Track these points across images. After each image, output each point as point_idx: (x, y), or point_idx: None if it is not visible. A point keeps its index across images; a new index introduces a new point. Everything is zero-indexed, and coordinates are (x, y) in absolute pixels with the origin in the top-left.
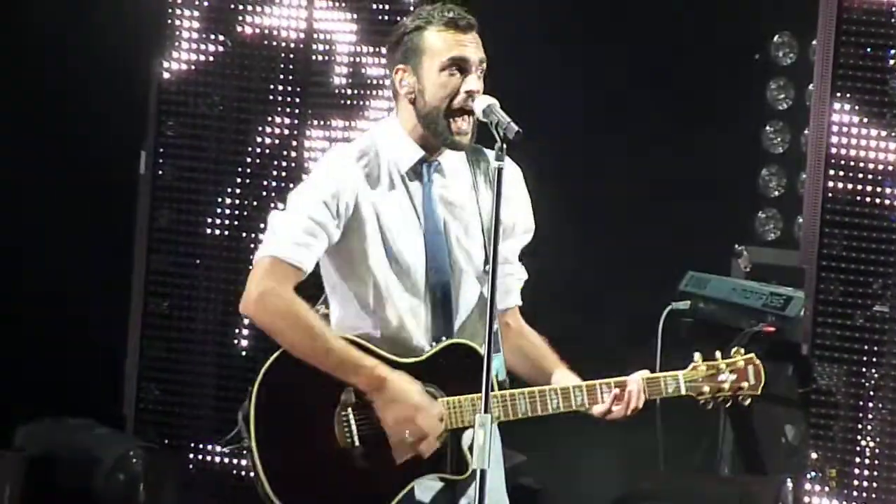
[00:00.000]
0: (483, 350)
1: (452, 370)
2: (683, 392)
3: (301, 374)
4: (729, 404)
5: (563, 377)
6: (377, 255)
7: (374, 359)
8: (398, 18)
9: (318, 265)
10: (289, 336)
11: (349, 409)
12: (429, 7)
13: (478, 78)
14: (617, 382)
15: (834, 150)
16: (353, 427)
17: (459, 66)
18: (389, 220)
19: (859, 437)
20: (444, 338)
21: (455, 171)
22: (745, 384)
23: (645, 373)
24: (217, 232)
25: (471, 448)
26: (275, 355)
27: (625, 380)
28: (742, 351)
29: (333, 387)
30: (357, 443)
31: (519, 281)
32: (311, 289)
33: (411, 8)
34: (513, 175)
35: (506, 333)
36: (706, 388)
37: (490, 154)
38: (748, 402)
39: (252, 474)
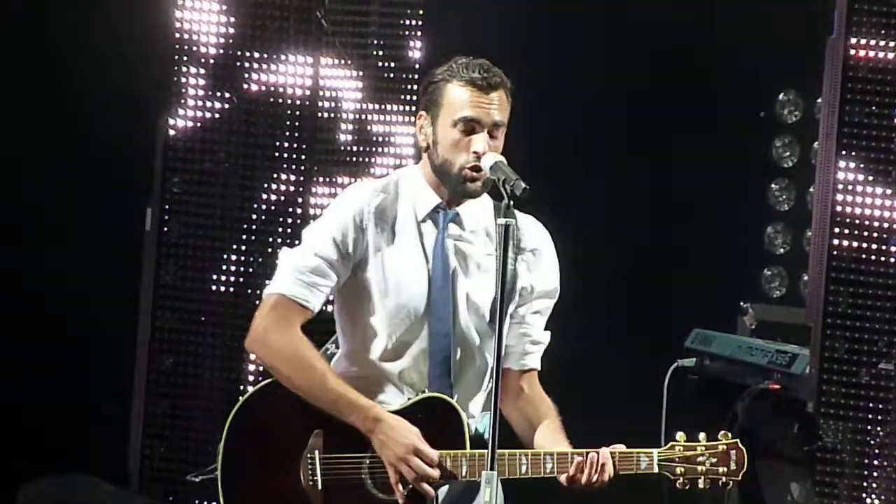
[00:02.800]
0: (462, 407)
1: (425, 424)
2: (656, 470)
3: (274, 412)
4: (707, 487)
5: (549, 443)
6: (380, 295)
7: (370, 401)
8: (404, 76)
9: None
10: (287, 373)
11: (316, 453)
12: (462, 61)
13: (490, 138)
14: (582, 453)
15: (839, 208)
16: (318, 471)
17: (471, 125)
18: (396, 263)
19: (865, 495)
20: (437, 388)
21: (475, 224)
22: (722, 469)
23: (619, 447)
24: (222, 289)
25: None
26: (251, 391)
27: (593, 451)
28: (729, 435)
29: (304, 429)
30: (320, 486)
31: (536, 345)
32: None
33: (417, 66)
34: (541, 238)
35: (519, 397)
36: (680, 470)
37: (521, 216)
38: (729, 486)
39: None
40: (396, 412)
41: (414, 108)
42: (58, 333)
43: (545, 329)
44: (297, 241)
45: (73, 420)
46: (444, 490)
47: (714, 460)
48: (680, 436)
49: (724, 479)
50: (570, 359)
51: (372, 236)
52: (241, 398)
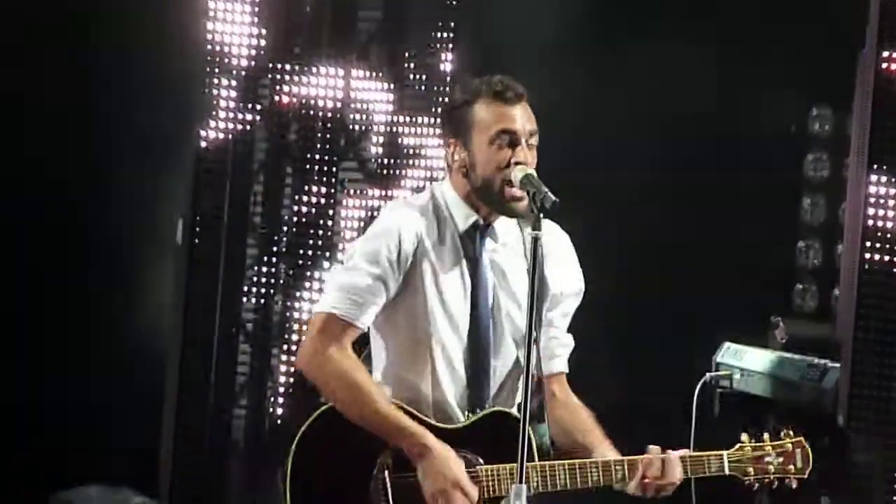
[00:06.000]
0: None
1: (493, 438)
2: (727, 471)
3: (339, 434)
4: (775, 486)
5: (604, 452)
6: (424, 311)
7: (420, 426)
8: (435, 88)
9: None
10: (338, 395)
11: (386, 473)
12: (477, 81)
13: (529, 148)
14: (658, 458)
15: (871, 223)
16: (389, 490)
17: (508, 138)
18: (442, 280)
19: None
20: (477, 402)
21: (508, 235)
22: (791, 467)
23: (685, 451)
24: (253, 300)
25: None
26: (314, 415)
27: (666, 455)
28: (791, 433)
29: (371, 449)
30: None
31: (564, 348)
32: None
33: (447, 79)
34: (560, 242)
35: (550, 403)
36: (751, 469)
37: (545, 222)
38: (795, 485)
39: None
40: (461, 428)
41: None
42: (90, 345)
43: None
44: (328, 253)
45: (104, 431)
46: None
47: (781, 459)
48: (745, 437)
49: (792, 476)
50: (599, 371)
51: (420, 255)
52: (305, 423)
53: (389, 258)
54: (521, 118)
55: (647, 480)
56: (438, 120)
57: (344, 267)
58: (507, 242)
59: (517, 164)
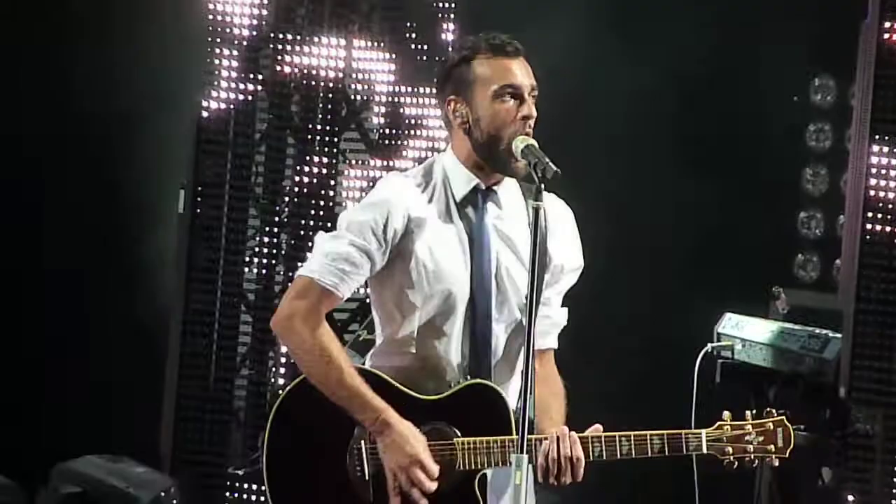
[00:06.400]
0: (504, 392)
1: (472, 410)
2: (705, 450)
3: (319, 403)
4: (755, 465)
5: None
6: (421, 281)
7: (383, 402)
8: (436, 58)
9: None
10: (306, 362)
11: (362, 443)
12: (472, 38)
13: (531, 103)
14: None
15: (872, 193)
16: (365, 460)
17: (512, 92)
18: (438, 248)
19: None
20: (478, 368)
21: (512, 204)
22: (771, 447)
23: (597, 428)
24: (255, 270)
25: (482, 489)
26: (294, 381)
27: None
28: (774, 412)
29: (348, 418)
30: (367, 476)
31: (556, 326)
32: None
33: (449, 49)
34: (563, 215)
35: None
36: (729, 449)
37: (550, 197)
38: (776, 464)
39: None
40: (440, 399)
41: None
42: (91, 315)
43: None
44: (329, 224)
45: (106, 401)
46: (491, 474)
47: (762, 438)
48: (726, 415)
49: (772, 456)
50: (601, 342)
51: (411, 224)
52: (283, 391)
53: (375, 230)
54: (522, 72)
55: (548, 461)
56: (436, 84)
57: (331, 234)
58: (511, 212)
59: (524, 118)
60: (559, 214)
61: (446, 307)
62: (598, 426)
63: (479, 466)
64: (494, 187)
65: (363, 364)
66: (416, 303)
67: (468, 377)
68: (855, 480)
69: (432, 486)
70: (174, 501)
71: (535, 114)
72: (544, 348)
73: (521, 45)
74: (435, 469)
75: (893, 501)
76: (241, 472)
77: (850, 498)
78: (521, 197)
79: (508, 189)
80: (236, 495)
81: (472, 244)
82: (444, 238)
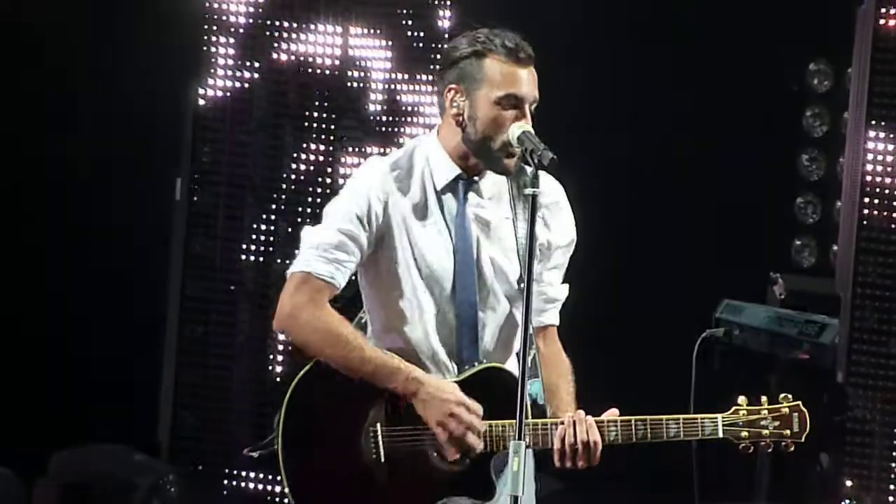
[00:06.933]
0: (514, 373)
1: (488, 394)
2: (721, 435)
3: (332, 387)
4: (770, 450)
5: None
6: (404, 267)
7: (409, 364)
8: (433, 45)
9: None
10: (323, 349)
11: (378, 425)
12: (486, 31)
13: (530, 117)
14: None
15: (869, 178)
16: (381, 442)
17: (515, 102)
18: (419, 235)
19: (894, 465)
20: (468, 356)
21: (493, 190)
22: (787, 432)
23: (613, 412)
24: (252, 258)
25: (497, 473)
26: (307, 367)
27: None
28: (790, 397)
29: (363, 402)
30: (383, 459)
31: (553, 302)
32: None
33: (446, 35)
34: (553, 191)
35: (535, 357)
36: (745, 434)
37: (530, 172)
38: (791, 448)
39: (287, 501)
40: (458, 383)
41: None
42: (88, 303)
43: (563, 282)
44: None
45: (104, 390)
46: (494, 462)
47: (777, 423)
48: (742, 400)
49: (788, 441)
50: (599, 328)
51: (392, 210)
52: (297, 376)
53: (359, 215)
54: (530, 83)
55: (564, 445)
56: (438, 66)
57: (317, 226)
58: (492, 197)
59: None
60: (549, 191)
61: (430, 291)
62: (615, 410)
63: (495, 449)
64: (476, 177)
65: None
66: (397, 290)
67: (457, 361)
68: (853, 465)
69: (481, 423)
70: (172, 489)
71: (530, 129)
72: (545, 324)
73: (532, 52)
74: (478, 407)
75: (891, 486)
76: (255, 455)
77: (849, 483)
78: (503, 181)
79: (490, 176)
80: (234, 483)
81: (452, 232)
82: (427, 226)
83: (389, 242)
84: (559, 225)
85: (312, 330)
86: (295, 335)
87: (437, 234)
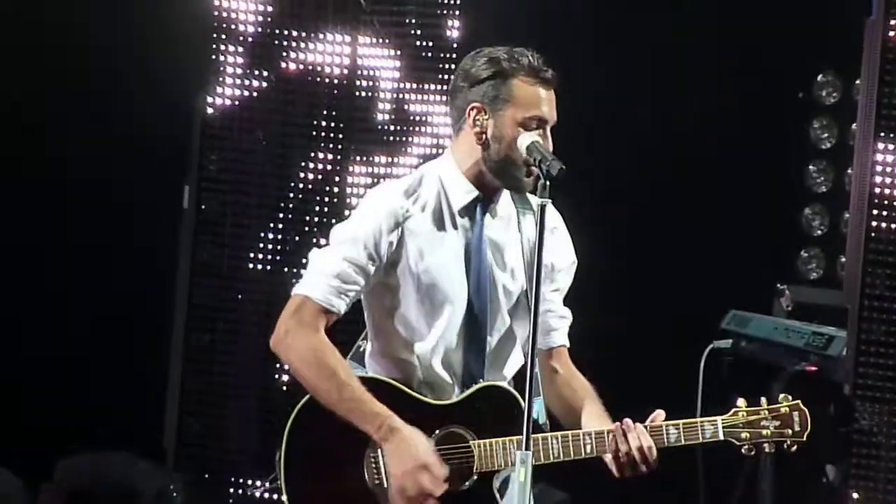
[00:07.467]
0: (518, 393)
1: (486, 413)
2: (721, 437)
3: (330, 415)
4: (772, 451)
5: (596, 423)
6: (417, 291)
7: (387, 409)
8: (442, 55)
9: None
10: (307, 377)
11: (378, 451)
12: (506, 50)
13: (551, 138)
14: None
15: (877, 190)
16: (382, 468)
17: (538, 123)
18: (434, 261)
19: None
20: (472, 377)
21: (504, 211)
22: (788, 431)
23: (660, 414)
24: (259, 266)
25: (500, 490)
26: (303, 400)
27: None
28: (790, 397)
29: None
30: (386, 484)
31: (562, 320)
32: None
33: (455, 45)
34: (552, 217)
35: (552, 379)
36: (745, 435)
37: (534, 199)
38: (794, 448)
39: None
40: (453, 403)
41: None
42: (95, 310)
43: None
44: (334, 220)
45: (110, 397)
46: (503, 475)
47: (778, 423)
48: (741, 402)
49: (789, 441)
50: (605, 340)
51: (407, 236)
52: (295, 408)
53: (368, 245)
54: (551, 106)
55: (620, 455)
56: (457, 84)
57: (325, 249)
58: (502, 216)
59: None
60: (549, 216)
61: (442, 319)
62: (661, 412)
63: (497, 468)
64: (493, 198)
65: (365, 373)
66: (411, 314)
67: (463, 383)
68: (859, 478)
69: (439, 489)
70: (178, 496)
71: (551, 149)
72: (556, 345)
73: (554, 74)
74: (442, 472)
75: None
76: (258, 493)
77: (855, 495)
78: (510, 202)
79: (503, 198)
80: (240, 491)
81: (469, 256)
82: (441, 250)
83: (403, 269)
84: (560, 249)
85: (299, 357)
86: (284, 357)
87: (453, 260)
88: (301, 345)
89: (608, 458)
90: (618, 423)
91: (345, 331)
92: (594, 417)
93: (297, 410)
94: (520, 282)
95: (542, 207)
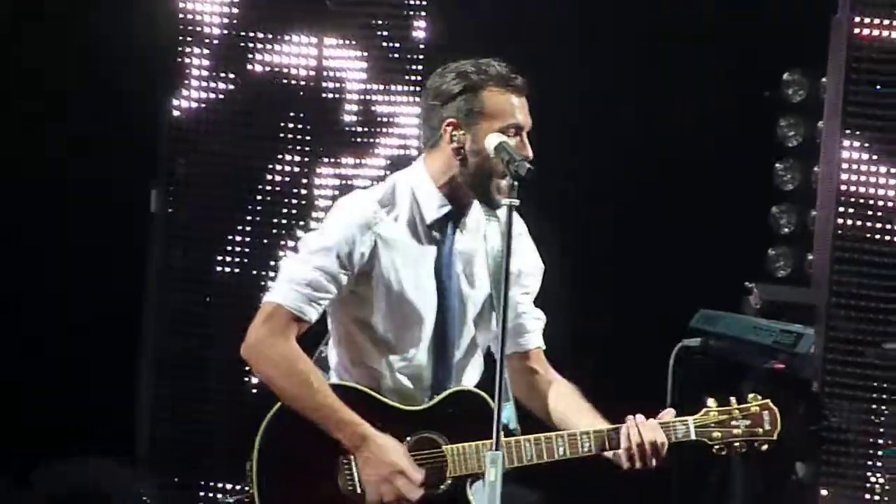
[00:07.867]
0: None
1: (457, 417)
2: (693, 437)
3: (301, 423)
4: (744, 450)
5: (589, 420)
6: (388, 302)
7: (358, 417)
8: (409, 56)
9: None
10: (279, 384)
11: (352, 457)
12: (472, 62)
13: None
14: (616, 428)
15: (844, 187)
16: (356, 473)
17: (515, 131)
18: (405, 273)
19: (870, 474)
20: (439, 385)
21: (473, 223)
22: (759, 430)
23: (670, 410)
24: (228, 270)
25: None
26: (278, 404)
27: (637, 419)
28: (759, 396)
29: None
30: (359, 490)
31: (536, 321)
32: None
33: (421, 46)
34: (517, 223)
35: (532, 381)
36: (717, 434)
37: (506, 183)
38: (764, 447)
39: None
40: (426, 409)
41: (418, 89)
42: (64, 316)
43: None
44: (301, 223)
45: (81, 404)
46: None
47: (748, 422)
48: (711, 401)
49: (760, 439)
50: (575, 339)
51: (377, 247)
52: (266, 418)
53: (340, 254)
54: (525, 112)
55: (631, 449)
56: (428, 101)
57: (296, 257)
58: (471, 228)
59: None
60: (513, 223)
61: (411, 326)
62: (672, 410)
63: (470, 471)
64: (464, 211)
65: (338, 381)
66: (380, 325)
67: (429, 394)
68: (829, 475)
69: (417, 493)
70: (149, 501)
71: (531, 155)
72: (532, 347)
73: (524, 80)
74: (417, 476)
75: (867, 495)
76: (231, 501)
77: (824, 492)
78: (479, 210)
79: (473, 210)
80: (210, 495)
81: (439, 270)
82: (413, 262)
83: (375, 279)
84: (526, 253)
85: (271, 364)
86: (257, 366)
87: (425, 273)
88: (273, 353)
89: (610, 453)
90: (631, 417)
91: (305, 337)
92: (586, 413)
93: (269, 417)
94: (485, 289)
95: (510, 209)
